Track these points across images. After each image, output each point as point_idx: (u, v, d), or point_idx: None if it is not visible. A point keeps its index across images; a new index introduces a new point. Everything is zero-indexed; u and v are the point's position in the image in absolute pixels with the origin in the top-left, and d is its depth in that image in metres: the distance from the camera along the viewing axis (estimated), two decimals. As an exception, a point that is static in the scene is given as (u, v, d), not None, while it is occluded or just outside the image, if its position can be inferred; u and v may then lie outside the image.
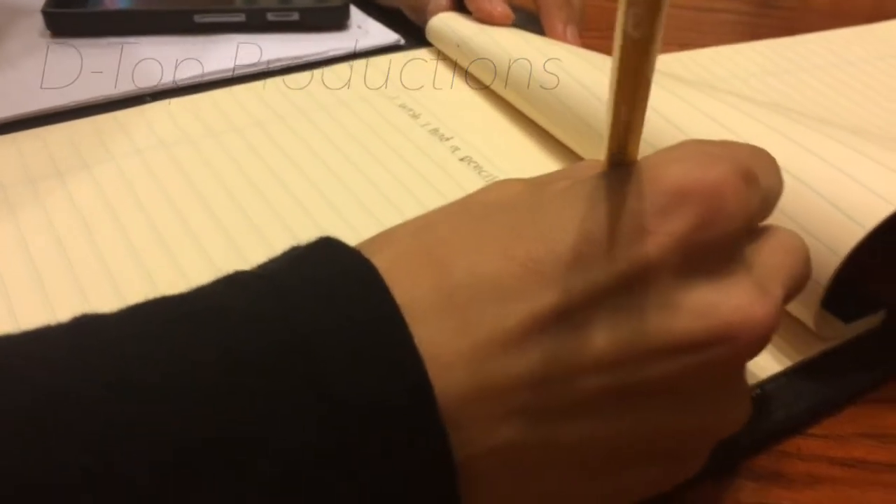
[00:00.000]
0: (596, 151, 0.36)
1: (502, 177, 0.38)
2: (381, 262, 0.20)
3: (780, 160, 0.25)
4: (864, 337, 0.31)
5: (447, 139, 0.41)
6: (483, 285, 0.19)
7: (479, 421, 0.19)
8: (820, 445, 0.28)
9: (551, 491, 0.21)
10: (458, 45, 0.47)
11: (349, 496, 0.17)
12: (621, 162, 0.21)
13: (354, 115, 0.43)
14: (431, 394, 0.18)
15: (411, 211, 0.36)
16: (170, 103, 0.43)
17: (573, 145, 0.40)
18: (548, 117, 0.41)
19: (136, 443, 0.16)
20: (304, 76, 0.46)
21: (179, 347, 0.17)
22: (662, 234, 0.20)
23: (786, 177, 0.25)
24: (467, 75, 0.47)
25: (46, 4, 0.50)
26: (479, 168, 0.39)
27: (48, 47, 0.49)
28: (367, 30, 0.52)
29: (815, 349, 0.30)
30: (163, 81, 0.45)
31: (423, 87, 0.46)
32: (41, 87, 0.44)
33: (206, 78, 0.46)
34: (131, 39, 0.50)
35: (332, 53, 0.49)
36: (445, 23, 0.48)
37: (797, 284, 0.24)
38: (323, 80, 0.46)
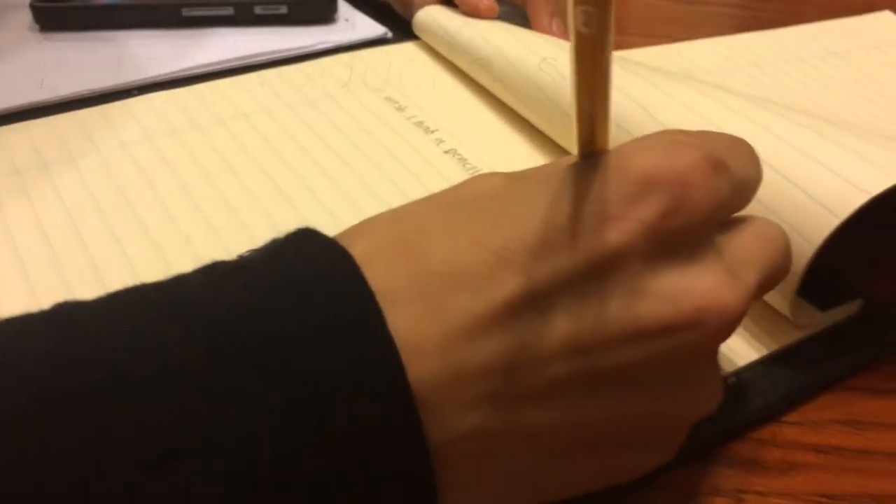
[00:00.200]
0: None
1: (486, 169, 0.38)
2: (357, 251, 0.20)
3: (757, 150, 0.25)
4: (841, 325, 0.32)
5: (432, 131, 0.41)
6: (456, 273, 0.20)
7: (451, 406, 0.19)
8: (795, 432, 0.29)
9: (524, 474, 0.21)
10: (445, 39, 0.47)
11: (327, 481, 0.18)
12: (592, 153, 0.21)
13: (340, 107, 0.43)
14: (405, 379, 0.18)
15: (395, 203, 0.35)
16: (156, 97, 0.43)
17: (558, 138, 0.40)
18: (533, 110, 0.41)
19: (128, 440, 0.16)
20: (290, 69, 0.47)
21: (169, 342, 0.18)
22: (629, 221, 0.20)
23: (762, 166, 0.25)
24: (454, 68, 0.47)
25: (35, -2, 0.50)
26: (463, 160, 0.39)
27: (36, 41, 0.49)
28: (354, 23, 0.53)
29: (791, 337, 0.31)
30: (150, 75, 0.45)
31: (409, 79, 0.46)
32: (29, 82, 0.44)
33: (194, 71, 0.46)
34: (119, 33, 0.50)
35: (319, 47, 0.49)
36: (432, 16, 0.48)
37: (775, 273, 0.24)
38: (309, 74, 0.46)
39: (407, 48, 0.50)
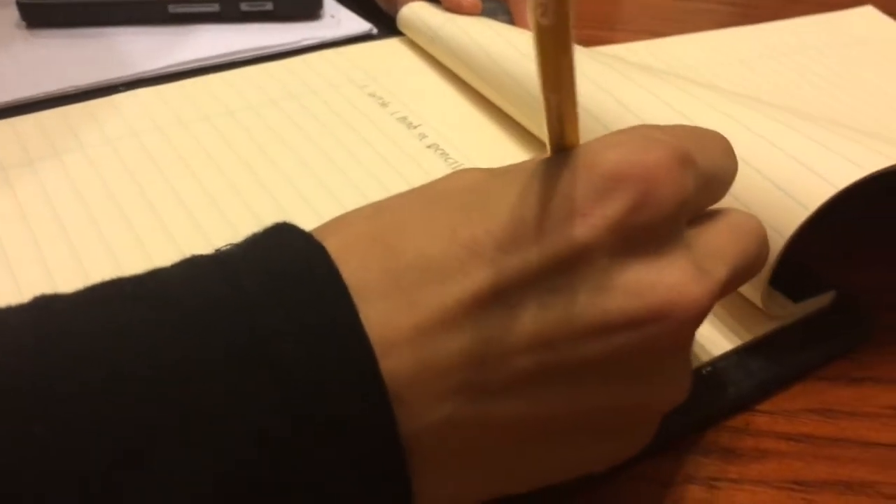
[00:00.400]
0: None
1: (468, 164, 0.39)
2: (332, 244, 0.20)
3: (732, 143, 0.25)
4: (814, 316, 0.32)
5: (415, 127, 0.42)
6: (428, 266, 0.20)
7: (423, 397, 0.19)
8: (768, 421, 0.29)
9: (497, 464, 0.22)
10: (428, 35, 0.47)
11: (302, 471, 0.18)
12: (562, 146, 0.22)
13: (324, 103, 0.43)
14: (378, 371, 0.19)
15: (377, 198, 0.36)
16: (142, 93, 0.44)
17: (539, 133, 0.40)
18: (514, 105, 0.41)
19: (96, 436, 0.17)
20: (275, 66, 0.47)
21: (143, 335, 0.18)
22: (596, 216, 0.20)
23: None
24: (437, 64, 0.48)
25: (21, -5, 0.50)
26: (445, 155, 0.40)
27: (22, 38, 0.49)
28: (339, 19, 0.53)
29: (765, 328, 0.31)
30: (136, 71, 0.46)
31: (393, 75, 0.47)
32: (15, 78, 0.44)
33: (179, 68, 0.46)
34: (106, 30, 0.50)
35: (304, 43, 0.50)
36: (416, 12, 0.49)
37: (749, 266, 0.24)
38: (294, 70, 0.46)
39: (391, 44, 0.51)
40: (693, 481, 0.27)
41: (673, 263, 0.21)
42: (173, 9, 0.51)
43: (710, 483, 0.27)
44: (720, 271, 0.23)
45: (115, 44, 0.49)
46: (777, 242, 0.28)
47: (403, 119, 0.42)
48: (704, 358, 0.30)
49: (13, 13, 0.51)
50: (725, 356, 0.30)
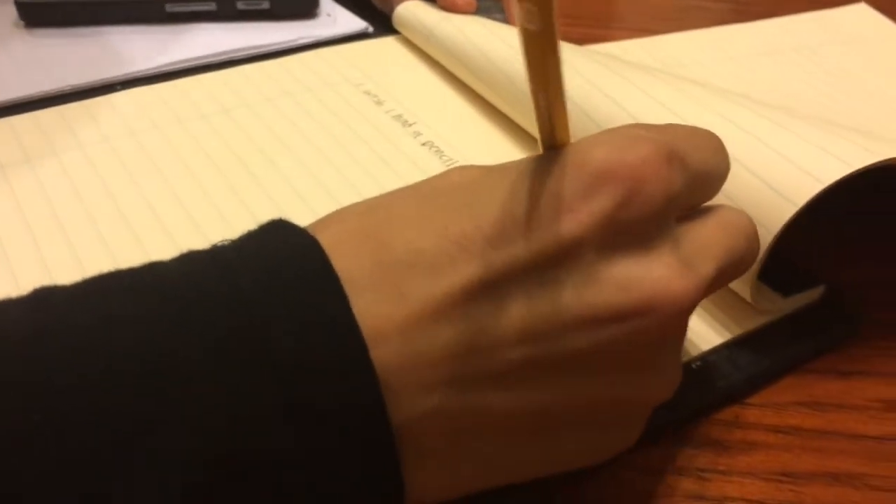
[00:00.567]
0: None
1: (462, 161, 0.39)
2: (325, 238, 0.21)
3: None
4: (804, 311, 0.33)
5: (410, 125, 0.42)
6: (418, 260, 0.20)
7: (412, 387, 0.20)
8: (757, 413, 0.30)
9: (487, 456, 0.22)
10: (423, 33, 0.48)
11: (293, 458, 0.19)
12: (553, 144, 0.22)
13: (320, 102, 0.44)
14: (368, 360, 0.19)
15: (372, 195, 0.36)
16: (139, 92, 0.44)
17: (533, 131, 0.41)
18: (508, 103, 0.42)
19: (96, 421, 0.17)
20: (272, 64, 0.47)
21: (142, 327, 0.19)
22: (583, 212, 0.21)
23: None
24: (433, 62, 0.48)
25: (19, -5, 0.50)
26: (440, 153, 0.40)
27: (20, 37, 0.49)
28: (335, 18, 0.53)
29: (755, 322, 0.31)
30: (133, 70, 0.46)
31: (388, 74, 0.47)
32: (13, 77, 0.44)
33: (177, 67, 0.47)
34: (103, 29, 0.50)
35: (301, 41, 0.50)
36: (411, 11, 0.49)
37: (738, 262, 0.25)
38: (290, 68, 0.47)
39: (387, 42, 0.51)
40: (683, 473, 0.28)
41: (659, 259, 0.22)
42: (170, 8, 0.51)
43: (699, 475, 0.28)
44: (707, 267, 0.23)
45: (113, 43, 0.49)
46: (765, 238, 0.28)
47: (398, 117, 0.43)
48: (694, 352, 0.30)
49: (11, 12, 0.51)
50: (715, 350, 0.31)
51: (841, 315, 0.33)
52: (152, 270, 0.21)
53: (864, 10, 0.59)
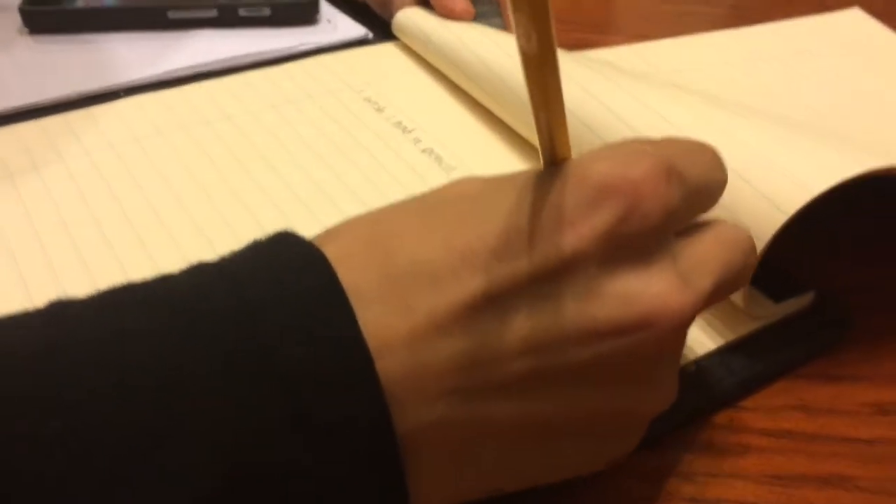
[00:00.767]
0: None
1: (461, 168, 0.40)
2: (332, 250, 0.21)
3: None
4: (794, 316, 0.33)
5: (410, 131, 0.43)
6: (423, 273, 0.21)
7: (417, 397, 0.20)
8: (750, 417, 0.30)
9: (490, 464, 0.23)
10: (422, 40, 0.48)
11: (302, 466, 0.19)
12: (554, 159, 0.23)
13: (322, 109, 0.44)
14: (374, 371, 0.20)
15: (373, 201, 0.37)
16: (143, 98, 0.45)
17: (530, 137, 0.41)
18: (507, 111, 0.42)
19: (110, 434, 0.18)
20: (274, 71, 0.48)
21: (154, 342, 0.19)
22: (585, 227, 0.21)
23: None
24: (432, 68, 0.49)
25: (24, 2, 0.51)
26: (439, 159, 0.41)
27: (25, 44, 0.50)
28: (335, 24, 0.54)
29: (748, 328, 0.32)
30: (137, 77, 0.46)
31: (388, 80, 0.48)
32: (19, 84, 0.45)
33: (180, 73, 0.47)
34: (107, 36, 0.51)
35: (302, 48, 0.51)
36: (410, 18, 0.50)
37: (734, 276, 0.25)
38: (293, 75, 0.47)
39: (387, 49, 0.52)
40: (678, 476, 0.28)
41: (658, 274, 0.22)
42: (173, 14, 0.52)
43: (694, 478, 0.28)
44: (705, 282, 0.24)
45: (116, 49, 0.50)
46: (757, 246, 0.29)
47: (398, 124, 0.43)
48: (689, 357, 0.31)
49: (15, 19, 0.52)
50: (709, 355, 0.31)
51: (831, 320, 0.34)
52: (164, 284, 0.21)
53: (859, 15, 0.60)
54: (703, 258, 0.24)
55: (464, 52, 0.45)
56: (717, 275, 0.24)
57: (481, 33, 0.46)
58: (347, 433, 0.19)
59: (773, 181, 0.30)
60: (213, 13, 0.52)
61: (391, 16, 0.52)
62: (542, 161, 0.23)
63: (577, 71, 0.39)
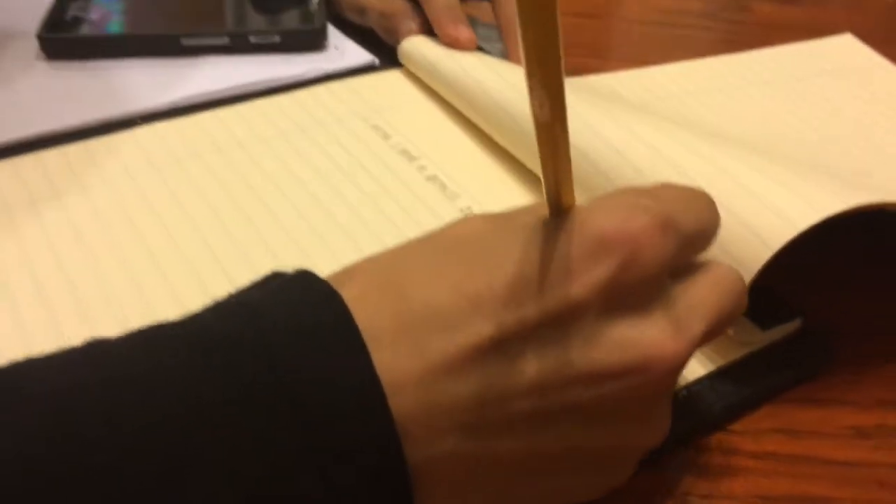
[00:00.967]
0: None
1: (465, 195, 0.42)
2: (348, 292, 0.23)
3: (706, 186, 0.28)
4: (782, 343, 0.35)
5: (415, 159, 0.45)
6: (434, 316, 0.23)
7: (427, 433, 0.22)
8: (737, 440, 0.32)
9: (494, 493, 0.25)
10: (428, 69, 0.50)
11: (314, 496, 0.21)
12: (559, 208, 0.24)
13: (331, 136, 0.46)
14: (387, 409, 0.21)
15: (380, 228, 0.39)
16: (160, 127, 0.46)
17: (532, 166, 0.43)
18: (508, 139, 0.44)
19: (136, 463, 0.19)
20: (284, 98, 0.50)
21: (187, 379, 0.21)
22: (587, 277, 0.23)
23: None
24: (437, 96, 0.51)
25: (42, 29, 0.53)
26: (443, 187, 0.42)
27: (43, 70, 0.52)
28: (343, 51, 0.56)
29: (736, 354, 0.34)
30: (152, 104, 0.48)
31: (395, 108, 0.49)
32: (39, 112, 0.47)
33: (195, 100, 0.49)
34: (122, 62, 0.53)
35: (311, 74, 0.53)
36: (415, 46, 0.52)
37: (725, 318, 0.27)
38: (303, 103, 0.49)
39: (393, 76, 0.53)
40: (667, 496, 0.30)
41: (654, 321, 0.24)
42: (186, 42, 0.54)
43: (683, 497, 0.30)
44: (697, 327, 0.25)
45: (131, 76, 0.51)
46: (744, 278, 0.31)
47: (404, 151, 0.45)
48: (681, 382, 0.33)
49: (32, 45, 0.53)
50: (699, 380, 0.33)
51: (816, 346, 0.35)
52: (190, 321, 0.23)
53: (850, 41, 0.62)
54: (696, 303, 0.26)
55: (467, 81, 0.47)
56: (710, 319, 0.26)
57: (484, 63, 0.48)
58: (361, 464, 0.21)
59: (760, 216, 0.32)
60: (224, 40, 0.54)
61: (397, 43, 0.54)
62: (546, 204, 0.25)
63: (583, 109, 0.40)
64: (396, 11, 0.54)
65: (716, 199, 0.31)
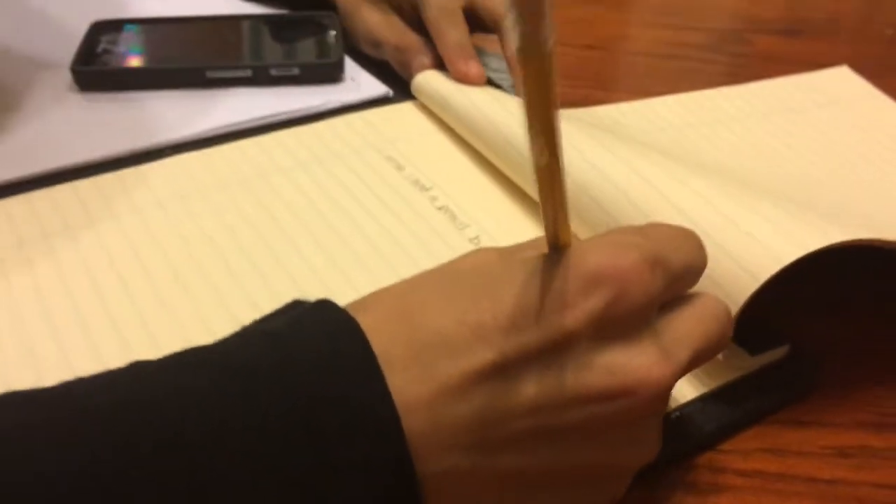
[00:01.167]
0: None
1: (474, 225, 0.44)
2: (365, 321, 0.26)
3: (697, 219, 0.31)
4: (769, 368, 0.37)
5: (427, 189, 0.47)
6: (442, 344, 0.25)
7: (435, 449, 0.25)
8: (726, 459, 0.35)
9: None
10: (440, 103, 0.53)
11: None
12: (557, 245, 0.27)
13: (348, 167, 0.49)
14: (400, 427, 0.24)
15: (394, 256, 0.42)
16: (188, 157, 0.49)
17: (535, 195, 0.46)
18: (516, 173, 0.47)
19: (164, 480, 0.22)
20: (303, 130, 0.52)
21: (216, 402, 0.23)
22: (581, 309, 0.26)
23: (696, 231, 0.31)
24: (449, 128, 0.53)
25: (75, 62, 0.56)
26: (453, 217, 0.45)
27: (76, 102, 0.55)
28: (359, 83, 0.58)
29: (726, 378, 0.36)
30: (179, 135, 0.51)
31: (408, 140, 0.52)
32: (74, 142, 0.50)
33: (218, 131, 0.52)
34: (149, 94, 0.56)
35: (329, 106, 0.55)
36: (428, 81, 0.54)
37: (711, 346, 0.29)
38: (321, 135, 0.52)
39: (406, 108, 0.56)
40: (661, 511, 0.32)
41: (641, 349, 0.27)
42: (210, 74, 0.56)
43: (675, 513, 0.32)
44: (683, 355, 0.28)
45: (159, 106, 0.54)
46: (731, 309, 0.33)
47: (416, 182, 0.48)
48: (673, 404, 0.35)
49: (65, 76, 0.56)
50: (691, 403, 0.35)
51: (803, 371, 0.38)
52: (219, 346, 0.26)
53: (846, 73, 0.64)
54: (682, 333, 0.28)
55: (476, 115, 0.50)
56: (695, 348, 0.28)
57: (493, 98, 0.50)
58: (376, 482, 0.24)
59: (748, 251, 0.34)
60: (247, 73, 0.57)
61: (410, 76, 0.56)
62: (547, 244, 0.27)
63: (585, 145, 0.43)
64: (410, 46, 0.56)
65: (707, 234, 0.34)
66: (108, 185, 0.47)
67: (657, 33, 0.74)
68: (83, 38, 0.59)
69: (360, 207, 0.45)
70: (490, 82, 0.54)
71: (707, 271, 0.33)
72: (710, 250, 0.34)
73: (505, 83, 0.56)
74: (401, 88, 0.58)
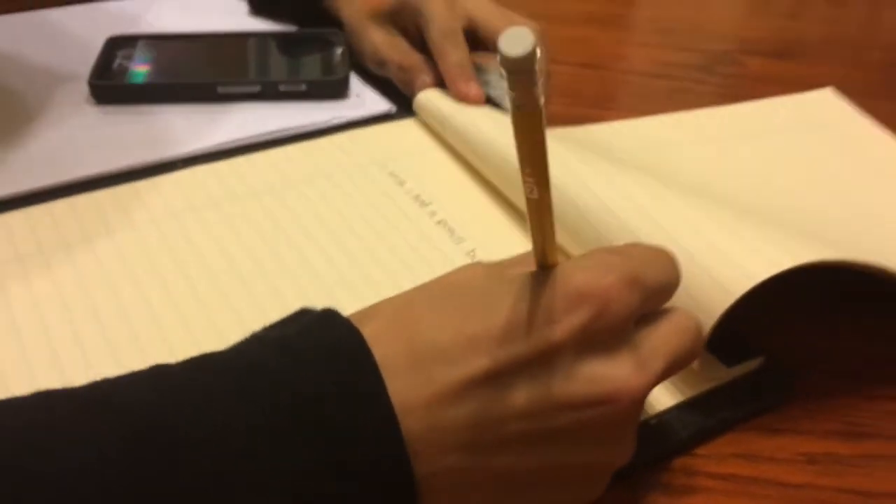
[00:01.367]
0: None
1: (470, 239, 0.47)
2: (368, 330, 0.28)
3: (677, 237, 0.34)
4: (744, 378, 0.40)
5: (427, 204, 0.50)
6: (439, 353, 0.28)
7: (432, 451, 0.27)
8: (701, 463, 0.37)
9: (487, 502, 0.30)
10: (441, 121, 0.56)
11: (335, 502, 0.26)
12: (545, 264, 0.30)
13: (351, 182, 0.51)
14: (399, 431, 0.26)
15: (394, 268, 0.44)
16: (199, 170, 0.52)
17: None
18: (510, 190, 0.49)
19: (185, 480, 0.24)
20: (309, 145, 0.55)
21: (229, 402, 0.26)
22: (565, 324, 0.28)
23: (676, 249, 0.34)
24: (447, 146, 0.56)
25: (92, 76, 0.58)
26: (452, 231, 0.48)
27: (93, 114, 0.57)
28: (364, 99, 0.61)
29: (702, 387, 0.39)
30: (191, 149, 0.54)
31: (410, 156, 0.55)
32: (92, 154, 0.52)
33: (228, 145, 0.54)
34: (162, 107, 0.58)
35: (334, 122, 0.58)
36: (429, 99, 0.57)
37: (684, 357, 0.32)
38: (326, 150, 0.55)
39: (408, 125, 0.59)
40: (638, 511, 0.35)
41: (621, 360, 0.29)
42: (222, 89, 0.59)
43: (651, 513, 0.35)
44: (657, 366, 0.30)
45: (172, 121, 0.57)
46: (707, 323, 0.36)
47: (417, 197, 0.50)
48: (651, 411, 0.37)
49: (83, 89, 0.59)
50: (668, 410, 0.38)
51: (776, 382, 0.40)
52: (231, 351, 0.28)
53: (829, 95, 0.66)
54: (658, 345, 0.31)
55: (475, 134, 0.52)
56: (669, 359, 0.31)
57: (491, 118, 0.53)
58: (375, 480, 0.26)
59: (724, 269, 0.37)
60: (256, 88, 0.59)
61: (412, 94, 0.59)
62: (536, 263, 0.30)
63: (577, 166, 0.45)
64: (413, 66, 0.59)
65: (686, 252, 0.36)
66: (124, 195, 0.49)
67: (652, 53, 0.76)
68: (100, 52, 0.61)
69: (362, 220, 0.48)
70: (489, 100, 0.57)
71: (685, 287, 0.35)
72: (689, 267, 0.37)
73: (504, 101, 0.58)
74: (404, 104, 0.60)
